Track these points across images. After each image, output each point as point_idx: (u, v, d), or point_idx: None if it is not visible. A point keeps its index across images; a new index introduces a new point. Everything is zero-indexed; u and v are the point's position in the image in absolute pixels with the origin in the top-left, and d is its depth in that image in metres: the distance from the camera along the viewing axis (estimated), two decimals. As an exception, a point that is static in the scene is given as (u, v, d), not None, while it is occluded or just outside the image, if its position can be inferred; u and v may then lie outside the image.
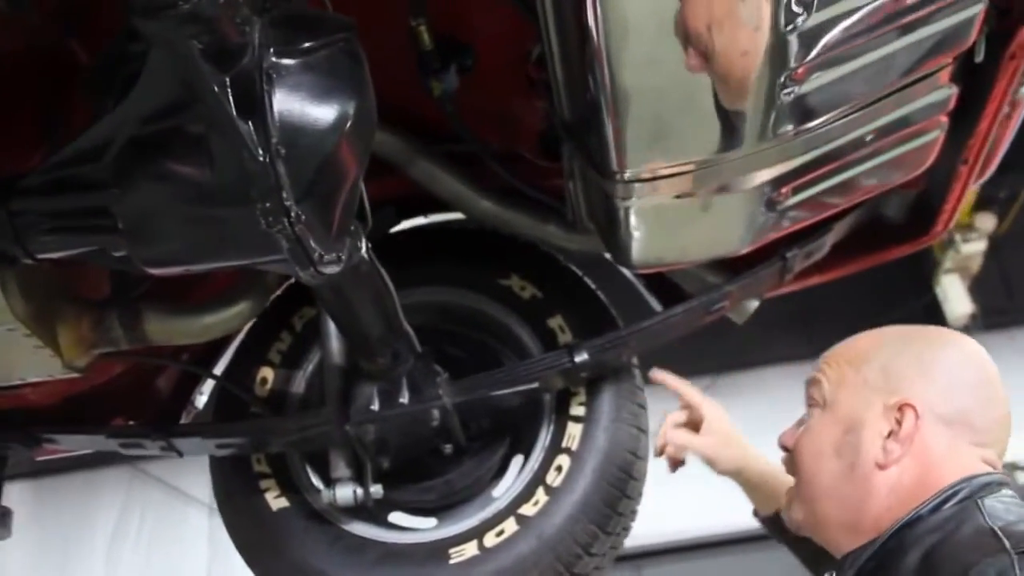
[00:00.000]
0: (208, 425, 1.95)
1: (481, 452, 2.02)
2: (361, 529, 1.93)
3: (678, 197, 1.51)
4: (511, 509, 1.92)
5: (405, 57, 1.63)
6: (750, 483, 1.80)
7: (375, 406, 1.81)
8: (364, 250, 1.51)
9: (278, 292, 1.97)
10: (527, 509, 1.91)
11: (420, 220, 2.15)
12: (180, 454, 1.94)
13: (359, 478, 1.89)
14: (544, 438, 1.99)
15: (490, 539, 1.88)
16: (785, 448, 1.48)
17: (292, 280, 1.97)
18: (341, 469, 1.89)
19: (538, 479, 1.93)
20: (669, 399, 1.88)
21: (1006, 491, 1.29)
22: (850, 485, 1.34)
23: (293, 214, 1.18)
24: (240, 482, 1.97)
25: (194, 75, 1.09)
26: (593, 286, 2.07)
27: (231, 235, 1.22)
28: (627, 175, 1.46)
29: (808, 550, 1.61)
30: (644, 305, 2.09)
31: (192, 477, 9.09)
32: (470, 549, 1.89)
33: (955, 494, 1.28)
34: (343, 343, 1.89)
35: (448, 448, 1.93)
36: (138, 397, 2.06)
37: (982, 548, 1.18)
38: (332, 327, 1.89)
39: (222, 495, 2.03)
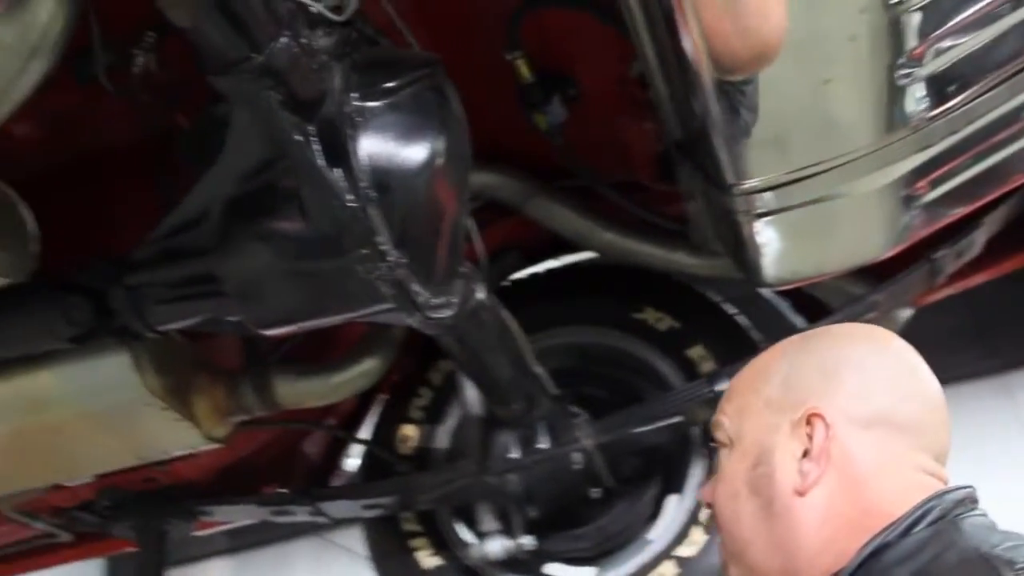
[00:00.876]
0: (353, 487, 1.95)
1: (632, 494, 1.94)
2: (522, 585, 1.88)
3: (804, 204, 1.40)
4: (668, 551, 1.84)
5: (505, 94, 1.60)
6: None
7: (514, 454, 1.77)
8: (483, 295, 1.48)
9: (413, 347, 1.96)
10: (685, 550, 1.82)
11: (547, 264, 2.12)
12: (329, 518, 1.94)
13: (508, 530, 1.84)
14: (696, 474, 1.90)
15: (650, 585, 1.80)
16: (707, 504, 1.25)
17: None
18: (489, 522, 1.85)
19: (693, 518, 1.83)
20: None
21: (978, 508, 1.10)
22: (772, 523, 1.13)
23: (391, 259, 1.15)
24: (392, 542, 1.96)
25: (276, 128, 1.08)
26: (732, 310, 1.97)
27: (334, 287, 1.20)
28: (745, 186, 1.37)
29: None
30: (788, 325, 1.98)
31: (376, 543, 9.26)
32: (629, 596, 1.81)
33: (925, 515, 1.07)
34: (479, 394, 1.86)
35: (597, 492, 1.86)
36: (287, 464, 2.08)
37: None
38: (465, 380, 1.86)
39: (376, 555, 2.03)
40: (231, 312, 1.27)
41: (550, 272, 2.12)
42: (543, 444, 1.77)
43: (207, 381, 1.61)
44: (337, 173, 1.11)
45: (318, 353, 1.76)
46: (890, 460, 1.11)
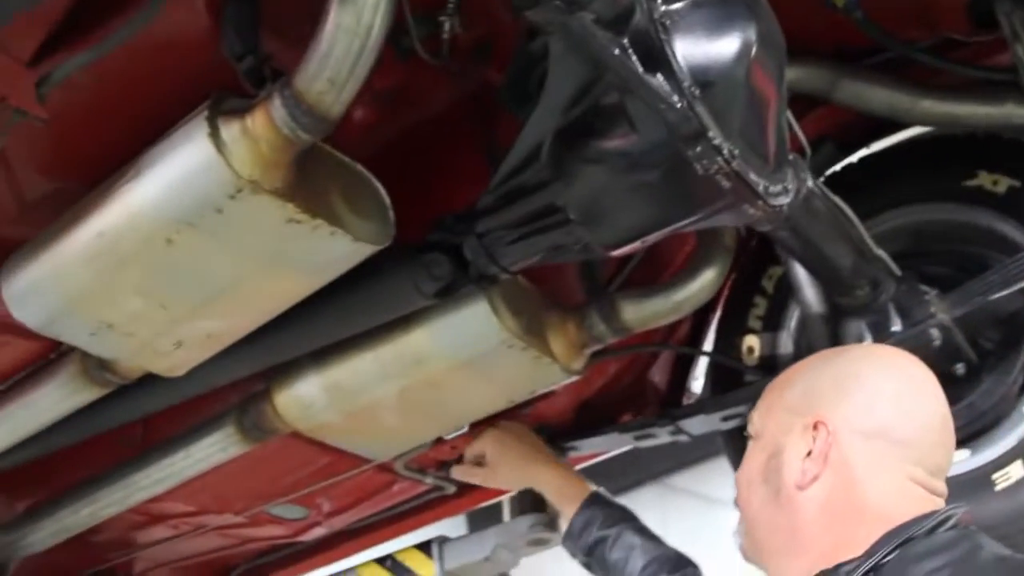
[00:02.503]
0: (713, 400, 1.98)
1: (998, 367, 1.85)
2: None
3: None
4: (1053, 420, 1.74)
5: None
6: (544, 495, 1.94)
7: (868, 340, 1.73)
8: (811, 183, 1.47)
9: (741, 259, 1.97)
10: (1070, 413, 1.72)
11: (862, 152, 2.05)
12: (689, 436, 1.99)
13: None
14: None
15: (1038, 454, 1.72)
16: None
17: (753, 243, 1.96)
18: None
19: (1076, 378, 1.73)
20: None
21: None
22: (776, 509, 1.30)
23: (726, 151, 1.17)
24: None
25: (593, 47, 1.13)
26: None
27: (674, 192, 1.24)
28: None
29: None
30: None
31: (718, 482, 9.30)
32: (1016, 471, 1.73)
33: (947, 519, 1.22)
34: (819, 290, 1.84)
35: (961, 369, 1.79)
36: (638, 393, 2.14)
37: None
38: (803, 276, 1.84)
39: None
40: (578, 238, 1.34)
41: (867, 159, 2.05)
42: (896, 327, 1.72)
43: (557, 318, 1.70)
44: (658, 79, 1.14)
45: (653, 278, 1.80)
46: (885, 469, 1.26)
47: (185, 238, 1.30)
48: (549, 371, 1.68)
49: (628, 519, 1.87)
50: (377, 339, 1.65)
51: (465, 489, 2.27)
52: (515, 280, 1.64)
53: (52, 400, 1.65)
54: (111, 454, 1.99)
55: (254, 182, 1.23)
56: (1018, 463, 1.73)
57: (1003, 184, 1.86)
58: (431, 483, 2.20)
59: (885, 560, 1.20)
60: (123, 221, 1.30)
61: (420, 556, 2.04)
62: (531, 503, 2.01)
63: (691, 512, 9.38)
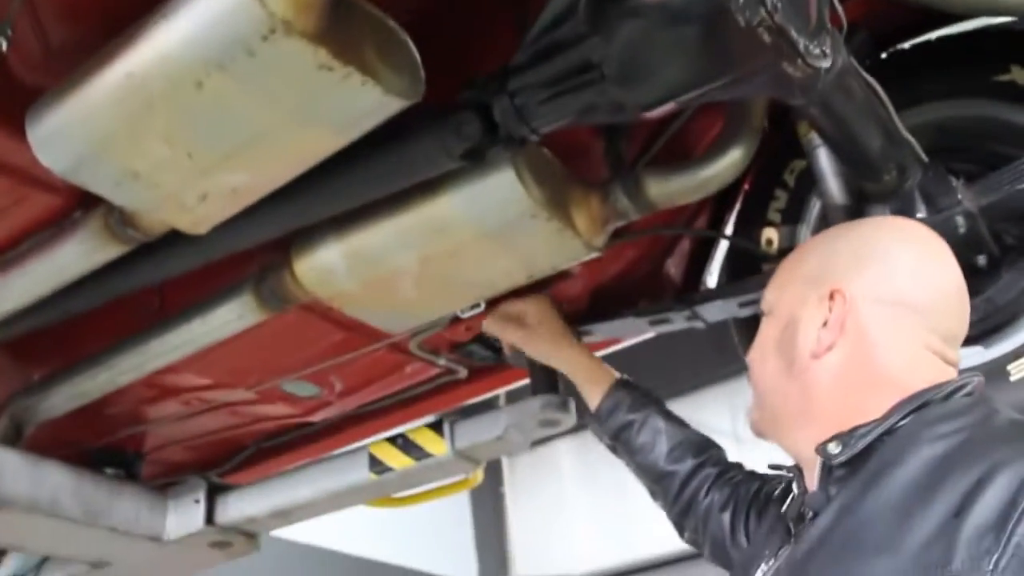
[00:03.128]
0: (728, 286, 1.98)
1: (1018, 263, 1.85)
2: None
3: None
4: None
5: None
6: (570, 376, 1.95)
7: (893, 226, 1.73)
8: (847, 58, 1.46)
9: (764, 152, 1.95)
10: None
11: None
12: (705, 322, 1.99)
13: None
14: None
15: (1052, 348, 1.72)
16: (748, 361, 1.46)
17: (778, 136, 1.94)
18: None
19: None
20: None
21: None
22: (791, 378, 1.32)
23: (769, 3, 1.15)
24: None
25: None
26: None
27: (714, 47, 1.22)
28: None
29: None
30: None
31: (712, 409, 9.42)
32: (1032, 362, 1.74)
33: (964, 386, 1.24)
34: (842, 180, 1.83)
35: (982, 261, 1.78)
36: (654, 283, 2.14)
37: None
38: (827, 166, 1.83)
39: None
40: (612, 98, 1.32)
41: (895, 53, 2.02)
42: (921, 214, 1.71)
43: (581, 193, 1.69)
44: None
45: (677, 154, 1.79)
46: (901, 337, 1.27)
47: (215, 82, 1.28)
48: (571, 245, 1.68)
49: (655, 403, 1.90)
50: (400, 206, 1.64)
51: (477, 374, 2.29)
52: (540, 151, 1.63)
53: (73, 256, 1.64)
54: (127, 324, 1.99)
55: (287, 22, 1.21)
56: (1034, 355, 1.74)
57: (1036, 79, 1.84)
58: (443, 365, 2.21)
59: (900, 424, 1.21)
60: (153, 62, 1.28)
61: (431, 434, 2.06)
62: (544, 384, 2.02)
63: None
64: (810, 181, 2.01)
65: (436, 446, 2.05)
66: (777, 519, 1.40)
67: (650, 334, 2.10)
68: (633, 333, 2.09)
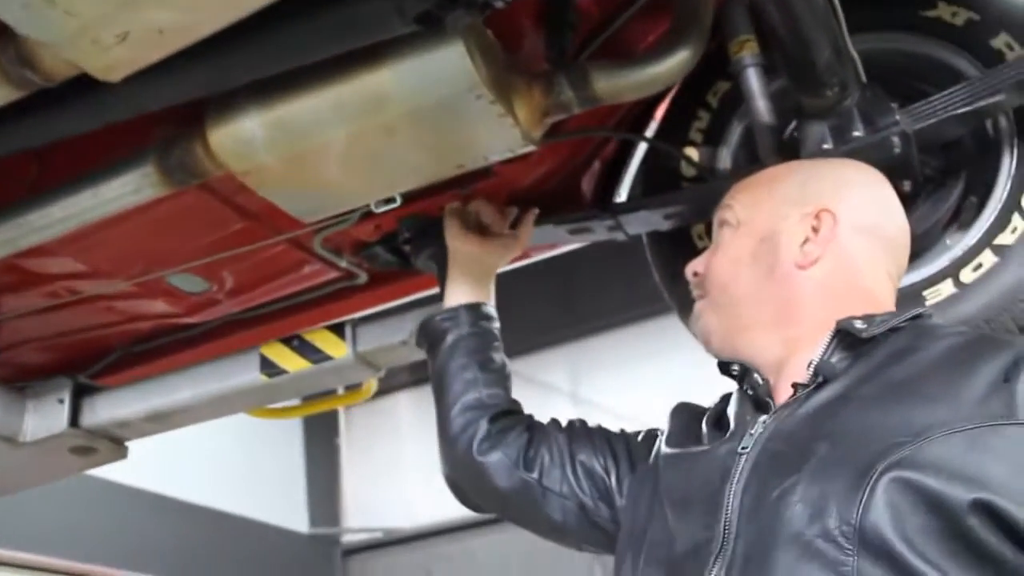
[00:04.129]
0: (656, 198, 1.94)
1: (935, 194, 1.88)
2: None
3: None
4: (984, 244, 1.79)
5: None
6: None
7: (828, 144, 1.72)
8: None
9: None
10: (1004, 238, 1.76)
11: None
12: (626, 234, 1.95)
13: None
14: (1005, 168, 1.83)
15: (967, 275, 1.76)
16: (695, 274, 1.51)
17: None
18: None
19: (1013, 204, 1.77)
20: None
21: None
22: (771, 284, 1.37)
23: None
24: (686, 260, 1.96)
25: None
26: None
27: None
28: None
29: None
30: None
31: (554, 370, 9.54)
32: (946, 288, 1.78)
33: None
34: (770, 101, 1.82)
35: (907, 186, 1.80)
36: (568, 196, 2.08)
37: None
38: (757, 85, 1.81)
39: (667, 279, 2.04)
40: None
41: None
42: (858, 132, 1.71)
43: (523, 81, 1.61)
44: None
45: (622, 49, 1.73)
46: (874, 263, 1.39)
47: None
48: (509, 134, 1.60)
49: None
50: (334, 75, 1.52)
51: (376, 281, 2.18)
52: (487, 33, 1.54)
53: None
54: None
55: None
56: (948, 282, 1.77)
57: (962, 16, 1.86)
58: (344, 268, 2.10)
59: (902, 326, 1.30)
60: None
61: (331, 337, 1.95)
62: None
63: (525, 396, 9.64)
64: (733, 104, 2.00)
65: (336, 348, 1.95)
66: (739, 406, 1.40)
67: (568, 246, 2.05)
68: (552, 240, 2.02)
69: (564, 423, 1.71)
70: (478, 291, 1.84)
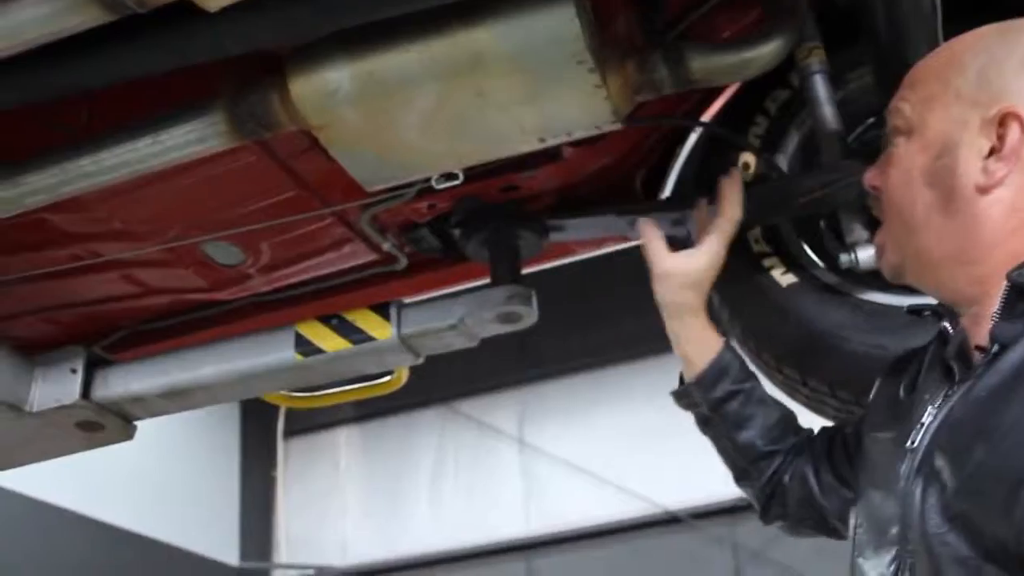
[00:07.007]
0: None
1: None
2: (880, 297, 1.84)
3: None
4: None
5: None
6: (677, 333, 1.66)
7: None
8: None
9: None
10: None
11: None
12: (689, 233, 1.91)
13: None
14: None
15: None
16: (873, 187, 1.32)
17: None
18: (858, 232, 1.80)
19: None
20: None
21: None
22: (949, 215, 1.17)
23: None
24: (744, 263, 1.93)
25: None
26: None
27: None
28: None
29: None
30: None
31: (501, 413, 9.46)
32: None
33: None
34: (834, 107, 1.81)
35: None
36: (621, 196, 2.04)
37: None
38: (823, 93, 1.81)
39: (720, 279, 2.00)
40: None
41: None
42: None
43: (619, 53, 1.57)
44: None
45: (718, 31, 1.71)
46: None
47: None
48: (599, 108, 1.55)
49: (753, 375, 1.70)
50: (431, 29, 1.46)
51: (415, 268, 2.11)
52: (586, 2, 1.51)
53: (33, 14, 1.36)
54: (37, 141, 1.69)
55: None
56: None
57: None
58: (386, 250, 2.02)
59: None
60: None
61: (375, 317, 1.87)
62: (507, 276, 1.87)
63: (471, 439, 9.51)
64: (791, 112, 2.00)
65: (379, 329, 1.86)
66: (930, 368, 1.25)
67: (623, 244, 2.00)
68: (608, 232, 1.96)
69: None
70: (702, 325, 1.67)
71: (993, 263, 1.13)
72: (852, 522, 1.32)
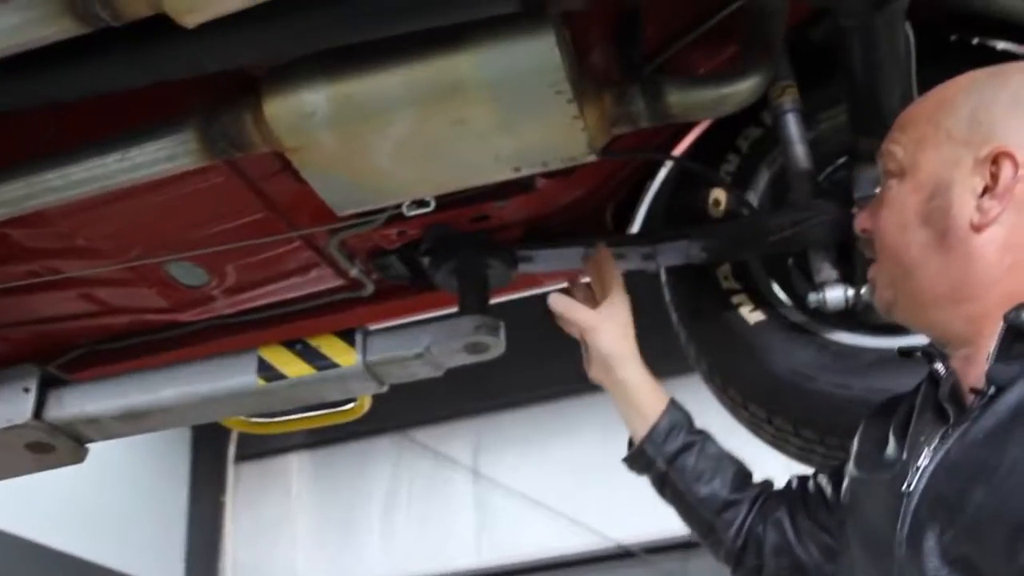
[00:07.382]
0: (700, 227, 1.90)
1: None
2: (847, 338, 1.85)
3: None
4: None
5: None
6: (626, 384, 1.64)
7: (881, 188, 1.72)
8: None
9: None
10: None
11: None
12: (657, 266, 1.92)
13: (848, 279, 1.80)
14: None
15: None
16: (864, 231, 1.33)
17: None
18: (827, 271, 1.81)
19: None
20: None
21: None
22: (943, 254, 1.18)
23: None
24: (712, 300, 1.93)
25: None
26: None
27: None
28: None
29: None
30: None
31: (456, 443, 9.39)
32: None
33: None
34: (806, 147, 1.82)
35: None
36: (591, 228, 2.03)
37: None
38: (795, 132, 1.82)
39: (688, 315, 2.00)
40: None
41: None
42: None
43: (595, 86, 1.57)
44: None
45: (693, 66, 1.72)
46: None
47: None
48: (575, 139, 1.55)
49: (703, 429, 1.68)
50: (413, 54, 1.45)
51: (381, 296, 2.09)
52: (566, 33, 1.51)
53: (8, 24, 1.33)
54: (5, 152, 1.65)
55: None
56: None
57: None
58: (353, 276, 2.00)
59: None
60: None
61: (340, 344, 1.84)
62: (475, 306, 1.86)
63: (426, 468, 9.43)
64: (763, 149, 2.01)
65: (344, 356, 1.84)
66: (922, 410, 1.24)
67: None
68: (574, 267, 1.96)
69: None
70: (646, 373, 1.67)
71: (988, 302, 1.14)
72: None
